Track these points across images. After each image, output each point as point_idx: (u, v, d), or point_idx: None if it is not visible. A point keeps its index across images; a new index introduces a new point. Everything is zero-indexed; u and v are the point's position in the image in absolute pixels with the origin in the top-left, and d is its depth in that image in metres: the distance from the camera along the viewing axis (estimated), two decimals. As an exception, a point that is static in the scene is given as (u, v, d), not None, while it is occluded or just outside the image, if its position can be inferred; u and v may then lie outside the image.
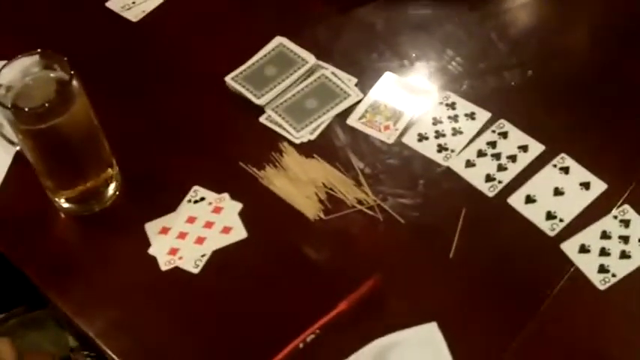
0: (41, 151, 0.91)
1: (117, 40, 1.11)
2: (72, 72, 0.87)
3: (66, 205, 0.96)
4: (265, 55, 1.05)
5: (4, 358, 0.87)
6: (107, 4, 1.13)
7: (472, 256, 0.90)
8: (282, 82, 1.02)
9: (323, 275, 0.90)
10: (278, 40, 1.06)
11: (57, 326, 1.03)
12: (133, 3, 1.13)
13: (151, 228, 0.94)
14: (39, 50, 0.89)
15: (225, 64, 1.04)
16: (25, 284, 0.93)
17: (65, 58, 0.88)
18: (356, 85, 1.03)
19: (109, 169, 0.95)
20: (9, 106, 0.86)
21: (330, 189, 0.95)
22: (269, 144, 0.99)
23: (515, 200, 0.92)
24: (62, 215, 0.97)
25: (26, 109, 0.86)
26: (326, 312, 0.85)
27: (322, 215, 0.93)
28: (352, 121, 1.00)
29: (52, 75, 0.89)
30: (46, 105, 0.85)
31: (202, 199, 0.95)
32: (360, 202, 0.94)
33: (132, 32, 1.11)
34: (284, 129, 1.00)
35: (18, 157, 0.99)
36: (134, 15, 1.12)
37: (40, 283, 0.92)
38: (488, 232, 0.91)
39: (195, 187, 0.96)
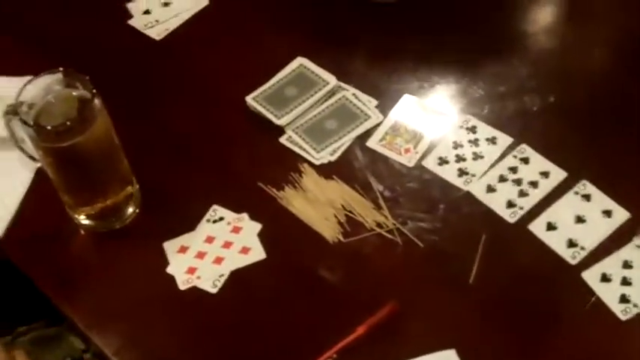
0: (61, 168, 0.91)
1: (139, 58, 1.11)
2: (94, 90, 0.87)
3: (85, 221, 0.96)
4: (286, 76, 1.05)
5: None
6: (130, 22, 1.14)
7: (492, 282, 0.89)
8: (302, 103, 1.02)
9: (340, 298, 0.90)
10: (299, 60, 1.06)
11: (72, 336, 1.03)
12: (157, 21, 1.13)
13: (170, 247, 0.94)
14: (61, 69, 0.89)
15: (247, 84, 1.04)
16: (47, 299, 0.93)
17: (87, 77, 0.88)
18: (376, 107, 1.03)
19: (129, 187, 0.95)
20: (31, 123, 0.87)
21: (350, 211, 0.95)
22: (288, 165, 0.99)
23: (536, 227, 0.92)
24: (82, 232, 0.97)
25: (48, 127, 0.86)
26: (343, 335, 0.85)
27: (341, 238, 0.93)
28: (372, 143, 1.00)
29: (74, 93, 0.89)
30: (68, 123, 0.86)
31: (221, 218, 0.95)
32: (379, 225, 0.93)
33: (154, 50, 1.11)
34: (304, 150, 1.00)
35: (39, 173, 0.99)
36: (157, 33, 1.12)
37: (57, 298, 0.92)
38: (509, 259, 0.91)
39: (215, 207, 0.96)
